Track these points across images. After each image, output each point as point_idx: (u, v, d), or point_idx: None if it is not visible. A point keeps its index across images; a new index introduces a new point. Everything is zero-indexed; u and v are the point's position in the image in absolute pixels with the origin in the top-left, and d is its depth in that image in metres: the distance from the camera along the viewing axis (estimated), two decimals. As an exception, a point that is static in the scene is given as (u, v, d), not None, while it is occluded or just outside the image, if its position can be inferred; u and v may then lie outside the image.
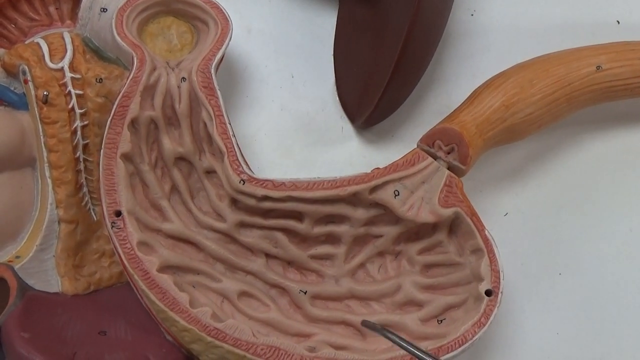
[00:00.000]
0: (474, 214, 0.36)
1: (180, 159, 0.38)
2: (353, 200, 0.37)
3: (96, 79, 0.38)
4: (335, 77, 0.43)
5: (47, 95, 0.37)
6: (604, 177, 0.43)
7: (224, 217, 0.37)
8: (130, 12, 0.38)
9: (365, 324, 0.35)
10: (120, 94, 0.36)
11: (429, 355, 0.30)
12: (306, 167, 0.42)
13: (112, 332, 0.35)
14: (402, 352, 0.34)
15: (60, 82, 0.37)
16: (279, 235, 0.37)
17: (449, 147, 0.36)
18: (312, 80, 0.43)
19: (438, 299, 0.36)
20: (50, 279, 0.36)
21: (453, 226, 0.37)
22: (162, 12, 0.39)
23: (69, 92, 0.37)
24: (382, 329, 0.33)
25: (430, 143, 0.37)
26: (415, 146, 0.38)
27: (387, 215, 0.37)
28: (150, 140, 0.37)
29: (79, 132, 0.37)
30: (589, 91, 0.39)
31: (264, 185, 0.36)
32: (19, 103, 0.38)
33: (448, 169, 0.36)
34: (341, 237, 0.37)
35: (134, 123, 0.36)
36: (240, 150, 0.37)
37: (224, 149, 0.36)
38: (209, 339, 0.34)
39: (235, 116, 0.42)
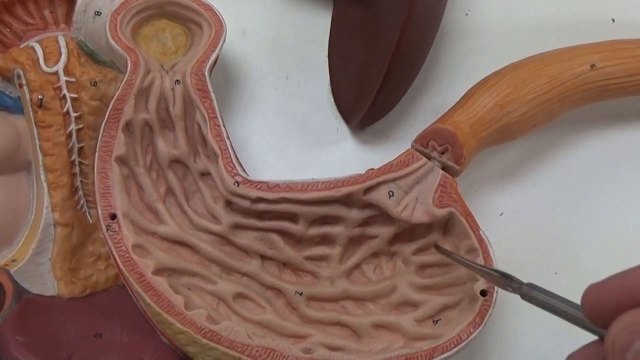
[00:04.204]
0: (468, 214, 0.36)
1: (175, 161, 0.38)
2: (347, 201, 0.37)
3: (91, 82, 0.38)
4: (330, 78, 0.43)
5: (41, 99, 0.37)
6: (599, 175, 0.42)
7: (219, 219, 0.37)
8: (124, 15, 0.38)
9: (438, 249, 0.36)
10: (114, 97, 0.36)
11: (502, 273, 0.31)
12: (301, 168, 0.42)
13: (108, 334, 0.35)
14: (398, 352, 0.34)
15: (55, 86, 0.37)
16: (274, 237, 0.37)
17: (443, 147, 0.36)
18: (307, 81, 0.43)
19: (433, 299, 0.36)
20: (46, 282, 0.36)
21: (448, 226, 0.37)
22: (156, 15, 0.39)
23: (64, 95, 0.37)
24: (452, 253, 0.35)
25: (424, 143, 0.37)
26: (410, 147, 0.38)
27: (382, 216, 0.37)
28: (145, 143, 0.37)
29: (74, 136, 0.37)
30: (583, 90, 0.39)
31: (258, 186, 0.36)
32: (14, 107, 0.38)
33: (442, 169, 0.36)
34: (336, 238, 0.37)
35: (128, 126, 0.36)
36: (234, 152, 0.37)
37: (218, 151, 0.36)
38: (204, 341, 0.34)
39: (230, 118, 0.42)
